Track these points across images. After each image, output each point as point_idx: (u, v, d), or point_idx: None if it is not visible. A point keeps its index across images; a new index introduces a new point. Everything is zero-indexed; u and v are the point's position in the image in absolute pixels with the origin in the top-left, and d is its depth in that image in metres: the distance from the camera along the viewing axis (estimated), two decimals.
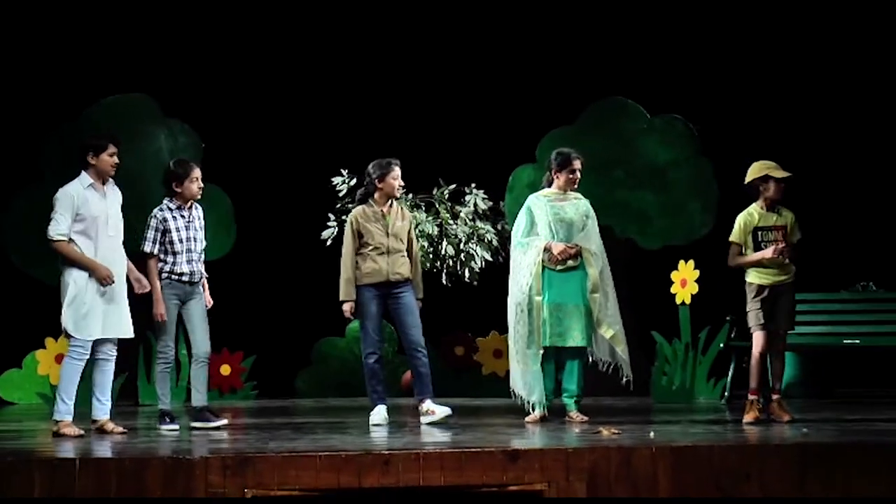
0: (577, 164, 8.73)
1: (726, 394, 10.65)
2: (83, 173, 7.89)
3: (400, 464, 6.09)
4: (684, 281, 11.15)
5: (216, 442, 7.20)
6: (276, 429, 8.12)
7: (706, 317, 11.06)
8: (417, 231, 11.34)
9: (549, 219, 8.66)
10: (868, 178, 12.40)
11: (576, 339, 8.54)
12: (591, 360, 8.75)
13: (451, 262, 11.54)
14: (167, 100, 11.76)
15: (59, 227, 7.72)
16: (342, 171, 11.54)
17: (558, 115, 11.90)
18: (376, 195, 8.65)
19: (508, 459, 6.19)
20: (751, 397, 8.49)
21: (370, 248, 8.56)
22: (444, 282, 11.54)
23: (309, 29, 12.78)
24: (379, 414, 8.51)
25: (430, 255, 11.49)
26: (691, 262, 11.15)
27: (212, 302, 8.62)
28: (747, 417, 8.34)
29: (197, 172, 8.42)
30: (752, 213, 8.60)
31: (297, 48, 12.75)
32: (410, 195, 11.60)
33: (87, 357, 7.77)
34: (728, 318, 10.67)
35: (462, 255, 11.53)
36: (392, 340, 12.05)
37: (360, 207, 8.71)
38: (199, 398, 8.47)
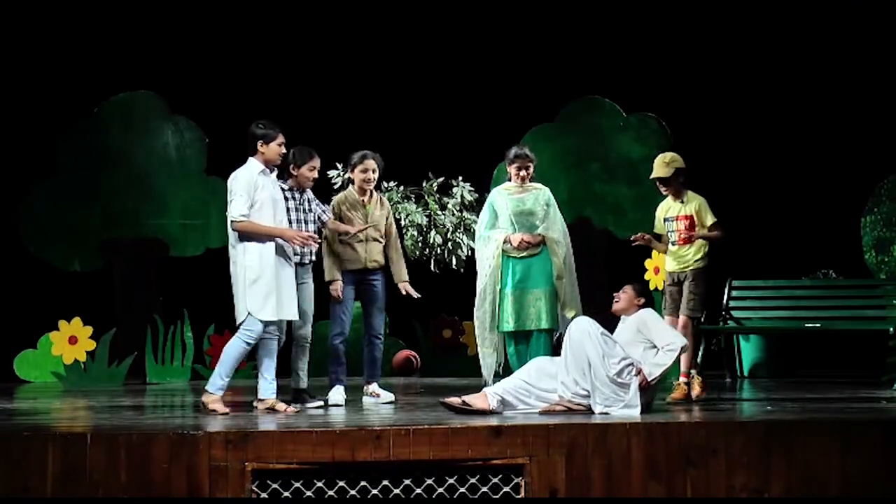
0: (522, 160, 8.64)
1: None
2: (251, 160, 7.43)
3: (391, 439, 6.09)
4: (657, 269, 11.16)
5: (219, 418, 7.18)
6: None
7: None
8: (407, 221, 11.33)
9: (510, 211, 8.64)
10: (830, 173, 12.42)
11: (540, 321, 8.50)
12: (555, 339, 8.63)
13: (439, 251, 11.52)
14: (173, 97, 11.73)
15: (241, 208, 7.23)
16: (337, 164, 11.51)
17: (540, 113, 11.92)
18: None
19: (492, 435, 6.20)
20: (680, 379, 8.16)
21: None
22: (432, 269, 11.52)
23: (306, 32, 12.76)
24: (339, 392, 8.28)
25: (420, 244, 11.47)
26: None
27: None
28: (668, 397, 8.02)
29: (316, 161, 7.97)
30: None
31: (295, 50, 12.72)
32: (402, 187, 11.58)
33: (256, 339, 7.34)
34: None
35: (449, 243, 11.51)
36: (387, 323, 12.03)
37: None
38: (298, 380, 8.17)
